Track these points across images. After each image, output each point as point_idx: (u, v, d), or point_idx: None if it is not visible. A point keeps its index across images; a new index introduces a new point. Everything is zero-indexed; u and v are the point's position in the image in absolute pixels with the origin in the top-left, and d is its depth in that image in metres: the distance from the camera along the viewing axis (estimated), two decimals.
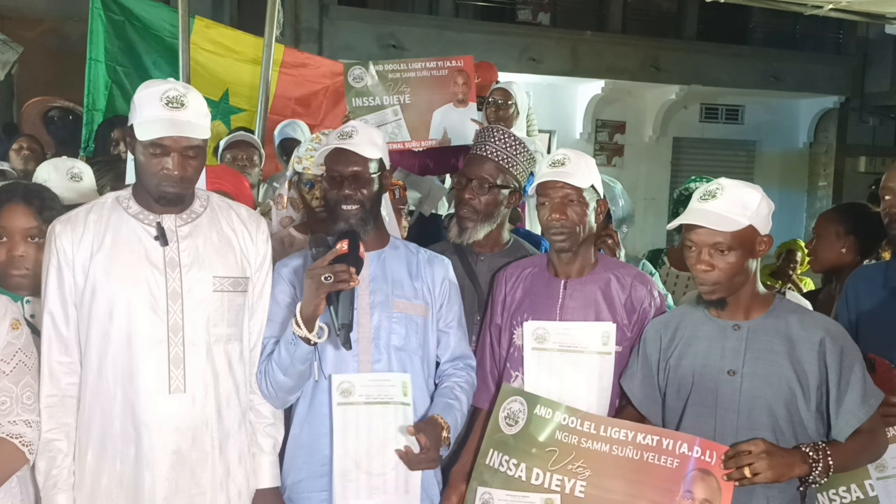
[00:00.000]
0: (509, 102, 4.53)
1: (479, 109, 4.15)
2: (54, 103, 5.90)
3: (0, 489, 2.09)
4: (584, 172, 2.41)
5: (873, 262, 3.17)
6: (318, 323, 2.19)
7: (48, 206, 2.41)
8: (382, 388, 2.31)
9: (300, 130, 4.80)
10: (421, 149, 3.70)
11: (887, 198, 2.64)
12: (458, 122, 3.64)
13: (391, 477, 2.31)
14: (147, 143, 2.13)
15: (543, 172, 2.43)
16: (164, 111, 2.12)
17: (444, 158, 3.75)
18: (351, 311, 2.15)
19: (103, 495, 2.19)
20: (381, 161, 2.39)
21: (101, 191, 3.38)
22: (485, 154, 2.71)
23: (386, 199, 2.56)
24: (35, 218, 2.38)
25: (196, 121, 2.15)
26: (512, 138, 2.75)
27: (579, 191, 2.40)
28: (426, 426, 2.29)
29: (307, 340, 2.20)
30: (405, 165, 3.86)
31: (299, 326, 2.18)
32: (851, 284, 2.72)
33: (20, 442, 2.09)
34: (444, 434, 2.32)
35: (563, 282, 2.49)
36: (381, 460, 2.30)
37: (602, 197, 2.50)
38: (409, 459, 2.27)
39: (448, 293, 2.49)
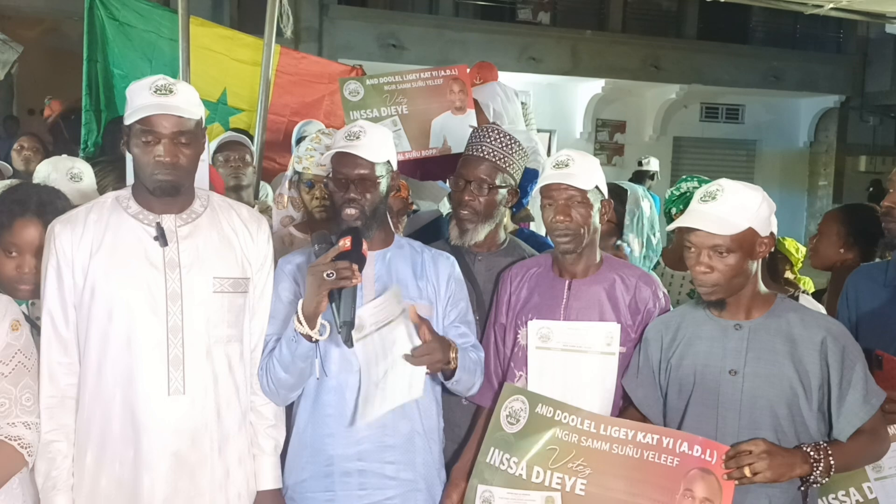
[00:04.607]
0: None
1: None
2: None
3: (1, 491, 2.08)
4: (588, 173, 2.41)
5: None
6: (320, 320, 2.18)
7: None
8: (385, 309, 2.26)
9: None
10: (422, 157, 3.70)
11: (892, 191, 2.64)
12: (458, 130, 3.63)
13: (397, 380, 2.26)
14: (138, 131, 2.13)
15: (547, 174, 2.42)
16: (152, 98, 2.13)
17: (446, 163, 3.74)
18: (353, 309, 2.15)
19: (102, 497, 2.19)
20: (388, 163, 2.38)
21: (103, 191, 3.37)
22: (481, 155, 2.70)
23: None
24: None
25: (185, 105, 2.16)
26: (506, 137, 2.74)
27: (583, 192, 2.39)
28: (431, 327, 2.27)
29: (309, 338, 2.19)
30: (406, 171, 3.86)
31: (301, 323, 2.17)
32: (852, 283, 2.72)
33: (19, 444, 2.08)
34: (452, 354, 2.30)
35: (567, 282, 2.48)
36: (395, 372, 2.26)
37: (606, 197, 2.50)
38: (414, 355, 2.23)
39: (454, 291, 2.48)
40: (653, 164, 8.35)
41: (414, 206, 3.61)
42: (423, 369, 2.27)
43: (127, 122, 2.16)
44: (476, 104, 4.29)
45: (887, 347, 2.40)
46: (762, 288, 2.24)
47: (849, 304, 2.68)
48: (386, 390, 2.27)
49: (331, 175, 2.38)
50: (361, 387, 2.28)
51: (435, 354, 2.25)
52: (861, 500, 2.38)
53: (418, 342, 2.23)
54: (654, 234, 3.03)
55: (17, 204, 2.35)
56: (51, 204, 2.39)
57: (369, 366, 2.27)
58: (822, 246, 3.34)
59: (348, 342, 2.15)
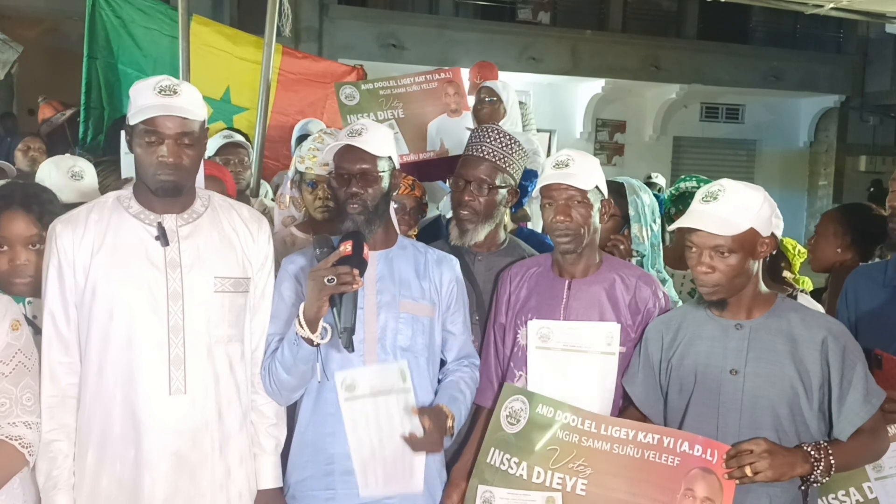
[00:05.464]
0: (494, 97, 4.56)
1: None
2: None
3: (2, 491, 2.08)
4: (588, 173, 2.41)
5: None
6: (322, 324, 2.19)
7: (48, 211, 2.37)
8: (384, 379, 2.32)
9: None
10: (419, 160, 3.71)
11: (894, 191, 2.64)
12: (455, 132, 3.65)
13: (400, 463, 2.32)
14: (141, 131, 2.14)
15: (547, 174, 2.42)
16: (157, 98, 2.14)
17: (443, 165, 3.75)
18: (354, 314, 2.15)
19: (103, 497, 2.18)
20: (390, 159, 2.39)
21: (105, 190, 3.38)
22: (481, 155, 2.70)
23: None
24: (35, 224, 2.34)
25: (189, 107, 2.16)
26: (506, 137, 2.74)
27: (583, 192, 2.40)
28: (430, 411, 2.31)
29: (310, 341, 2.20)
30: (405, 172, 3.87)
31: (302, 327, 2.18)
32: (851, 283, 2.72)
33: (20, 444, 2.08)
34: (449, 423, 2.33)
35: (567, 282, 2.48)
36: (392, 447, 2.31)
37: (606, 197, 2.50)
38: (413, 443, 2.29)
39: (455, 294, 2.49)
40: (660, 180, 8.75)
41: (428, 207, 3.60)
42: (423, 457, 2.32)
43: (131, 122, 2.17)
44: (497, 97, 4.36)
45: (887, 347, 2.40)
46: (763, 288, 2.24)
47: (848, 304, 2.68)
48: (386, 467, 2.31)
49: (333, 172, 2.39)
50: (353, 453, 2.30)
51: (436, 446, 2.31)
52: (861, 499, 2.38)
53: (416, 421, 2.27)
54: (654, 223, 3.05)
55: (1, 199, 2.38)
56: (35, 197, 2.42)
57: (357, 430, 2.29)
58: (820, 247, 3.33)
59: (349, 347, 2.15)
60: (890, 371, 2.33)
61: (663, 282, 3.02)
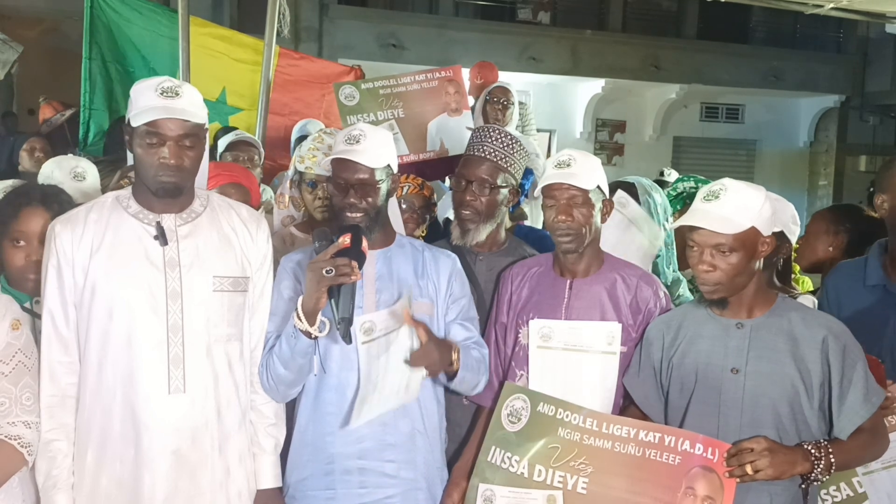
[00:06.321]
0: (511, 101, 4.60)
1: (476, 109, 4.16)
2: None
3: (0, 490, 2.09)
4: (589, 173, 2.41)
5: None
6: (320, 317, 2.19)
7: (65, 211, 2.36)
8: (394, 319, 2.27)
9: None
10: (420, 160, 3.70)
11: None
12: (455, 131, 3.64)
13: (394, 381, 2.27)
14: (143, 132, 2.14)
15: (549, 174, 2.43)
16: (158, 100, 2.14)
17: (443, 164, 3.75)
18: (352, 305, 2.15)
19: (103, 496, 2.19)
20: (388, 167, 2.38)
21: (105, 191, 3.38)
22: (483, 155, 2.70)
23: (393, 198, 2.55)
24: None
25: (191, 108, 2.16)
26: (508, 136, 2.74)
27: (585, 192, 2.40)
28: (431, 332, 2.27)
29: (308, 334, 2.20)
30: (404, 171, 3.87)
31: (300, 320, 2.18)
32: (832, 281, 2.73)
33: (19, 443, 2.08)
34: (454, 356, 2.31)
35: (568, 282, 2.49)
36: (392, 378, 2.27)
37: (607, 197, 2.50)
38: (413, 358, 2.24)
39: (455, 288, 2.48)
40: (672, 177, 8.81)
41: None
42: (421, 372, 2.27)
43: (132, 123, 2.16)
44: (511, 100, 4.35)
45: (868, 344, 2.39)
46: (764, 287, 2.25)
47: (829, 302, 2.70)
48: (383, 392, 2.26)
49: (330, 178, 2.39)
50: (360, 387, 2.27)
51: (432, 356, 2.25)
52: (851, 493, 2.42)
53: (418, 345, 2.23)
54: (667, 222, 3.05)
55: (22, 196, 2.42)
56: (55, 196, 2.45)
57: (370, 367, 2.26)
58: (810, 246, 3.32)
59: (346, 338, 2.15)
60: (871, 370, 2.33)
61: (678, 281, 3.02)
